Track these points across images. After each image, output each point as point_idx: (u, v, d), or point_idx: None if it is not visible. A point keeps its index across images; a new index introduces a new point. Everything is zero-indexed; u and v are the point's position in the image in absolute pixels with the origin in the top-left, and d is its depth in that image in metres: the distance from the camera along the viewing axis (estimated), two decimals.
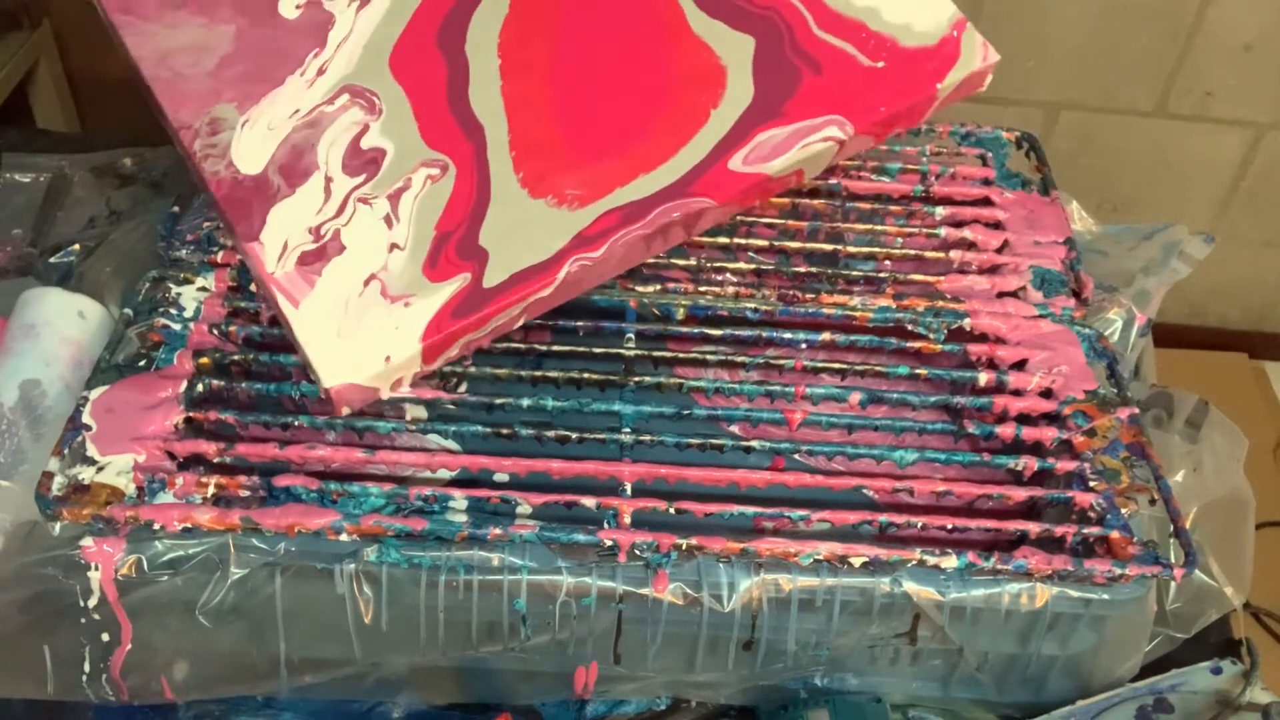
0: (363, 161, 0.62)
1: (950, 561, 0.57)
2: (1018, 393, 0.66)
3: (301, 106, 0.63)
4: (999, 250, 0.73)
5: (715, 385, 0.65)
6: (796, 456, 0.63)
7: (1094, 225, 0.79)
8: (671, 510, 0.58)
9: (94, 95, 1.48)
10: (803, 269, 0.70)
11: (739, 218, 0.71)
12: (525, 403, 0.62)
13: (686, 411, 0.63)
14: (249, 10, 0.67)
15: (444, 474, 0.61)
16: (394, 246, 0.60)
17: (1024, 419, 0.65)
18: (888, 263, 0.72)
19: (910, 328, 0.68)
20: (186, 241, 0.70)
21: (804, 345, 0.68)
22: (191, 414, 0.61)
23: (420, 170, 0.61)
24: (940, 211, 0.74)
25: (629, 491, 0.59)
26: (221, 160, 0.62)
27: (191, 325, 0.65)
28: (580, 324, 0.66)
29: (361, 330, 0.58)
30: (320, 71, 0.64)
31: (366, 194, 0.61)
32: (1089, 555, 0.58)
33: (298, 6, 0.67)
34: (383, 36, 0.66)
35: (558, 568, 0.57)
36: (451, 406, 0.63)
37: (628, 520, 0.57)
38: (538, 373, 0.65)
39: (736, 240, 0.71)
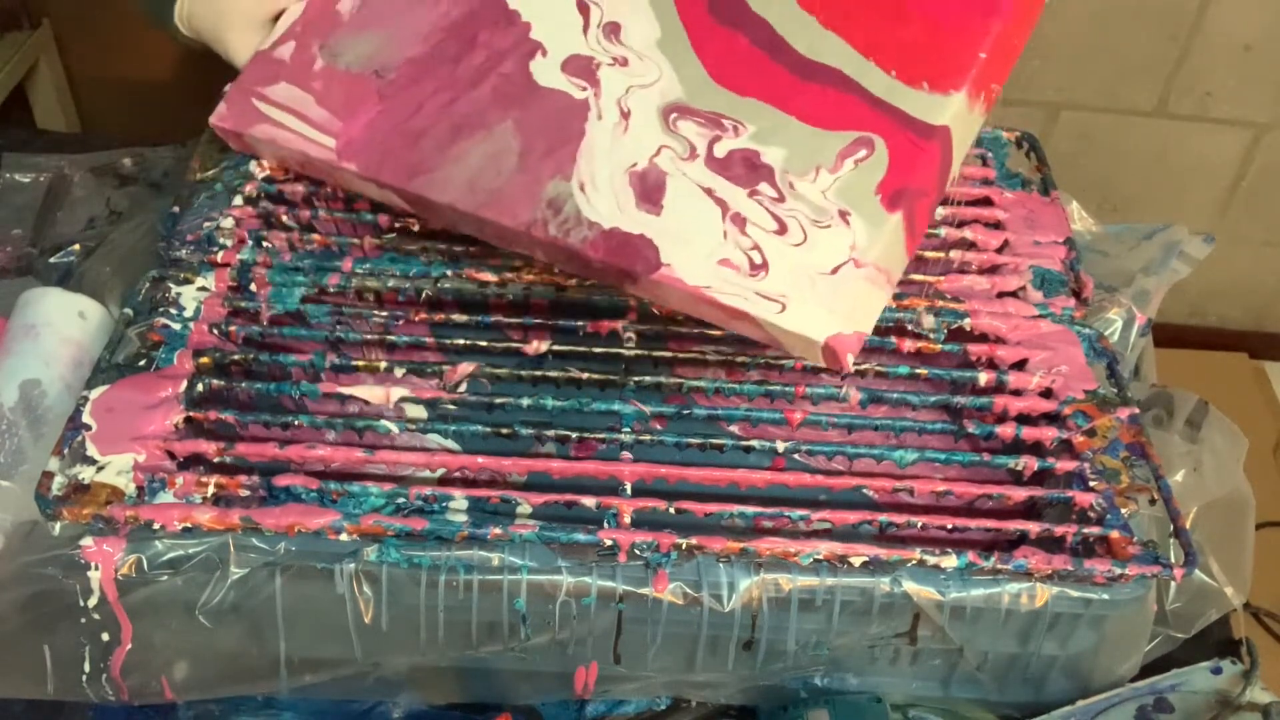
0: (746, 169, 0.60)
1: (950, 561, 0.57)
2: (1018, 393, 0.66)
3: (640, 158, 0.61)
4: (999, 250, 0.73)
5: (715, 385, 0.65)
6: (796, 456, 0.63)
7: (1094, 225, 0.79)
8: (671, 510, 0.58)
9: (94, 95, 1.48)
10: None
11: None
12: (525, 403, 0.62)
13: (686, 411, 0.63)
14: (512, 99, 0.65)
15: (444, 473, 0.61)
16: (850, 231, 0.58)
17: (1024, 419, 0.65)
18: None
19: (910, 328, 0.68)
20: (186, 241, 0.70)
21: None
22: (191, 414, 0.61)
23: (845, 161, 0.59)
24: (940, 211, 0.74)
25: (629, 491, 0.59)
26: (581, 225, 0.60)
27: (191, 325, 0.65)
28: (580, 324, 0.67)
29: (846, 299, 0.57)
30: (625, 114, 0.62)
31: (773, 198, 0.59)
32: (1089, 555, 0.58)
33: (557, 67, 0.65)
34: (684, 66, 0.63)
35: (558, 567, 0.57)
36: (451, 406, 0.63)
37: (628, 520, 0.57)
38: (538, 372, 0.65)
39: None
